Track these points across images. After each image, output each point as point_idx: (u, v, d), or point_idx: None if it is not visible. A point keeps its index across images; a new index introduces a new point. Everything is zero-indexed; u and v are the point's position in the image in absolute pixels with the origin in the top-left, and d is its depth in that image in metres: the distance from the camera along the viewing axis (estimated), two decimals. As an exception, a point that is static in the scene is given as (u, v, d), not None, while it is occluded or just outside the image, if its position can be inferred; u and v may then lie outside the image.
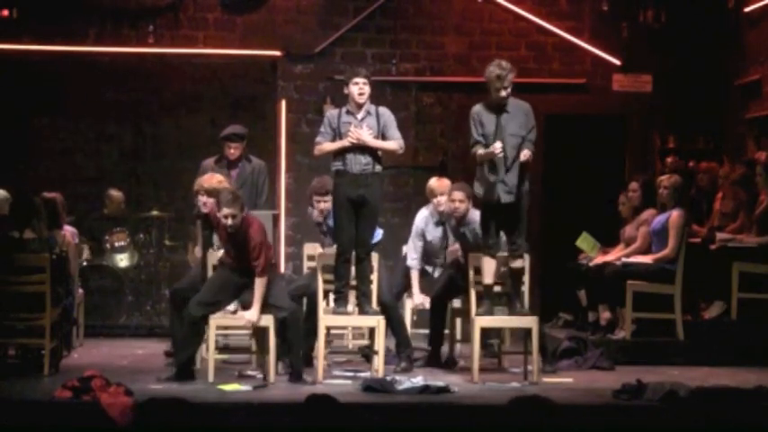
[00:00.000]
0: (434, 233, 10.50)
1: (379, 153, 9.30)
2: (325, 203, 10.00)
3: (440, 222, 10.49)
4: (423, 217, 10.58)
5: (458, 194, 10.13)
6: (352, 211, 9.23)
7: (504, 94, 9.19)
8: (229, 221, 9.05)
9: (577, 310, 11.22)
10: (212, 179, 9.78)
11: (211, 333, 9.14)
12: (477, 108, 9.33)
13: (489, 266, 9.33)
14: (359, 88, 9.23)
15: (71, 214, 11.78)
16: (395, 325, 9.82)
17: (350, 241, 9.24)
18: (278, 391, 8.76)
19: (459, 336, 10.39)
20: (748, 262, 10.55)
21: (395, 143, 9.30)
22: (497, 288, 9.47)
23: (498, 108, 9.23)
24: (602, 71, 13.47)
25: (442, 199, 10.37)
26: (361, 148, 9.18)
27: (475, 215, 9.89)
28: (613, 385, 8.65)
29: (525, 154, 9.08)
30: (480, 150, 9.19)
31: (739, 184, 11.06)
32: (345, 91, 9.34)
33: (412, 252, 10.57)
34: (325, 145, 9.28)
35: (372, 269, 9.36)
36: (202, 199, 9.67)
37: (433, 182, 10.59)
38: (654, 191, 10.81)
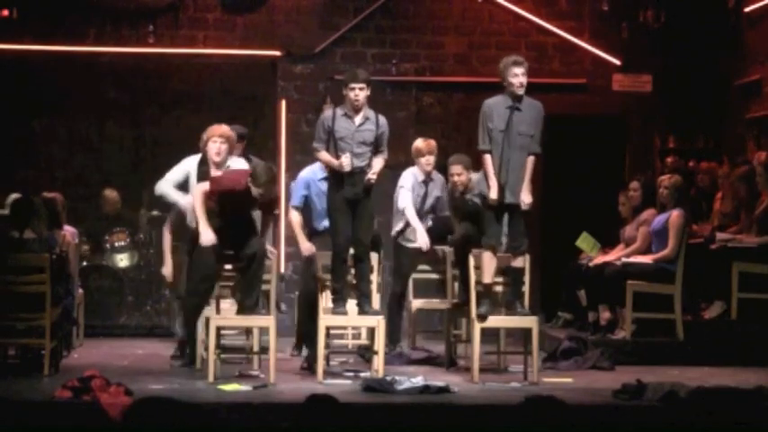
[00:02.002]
0: (418, 191, 10.64)
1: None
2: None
3: (424, 182, 10.66)
4: (410, 173, 10.69)
5: (456, 168, 10.37)
6: (348, 210, 9.19)
7: (520, 80, 9.13)
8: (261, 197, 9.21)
9: (577, 310, 11.22)
10: (221, 127, 9.69)
11: (211, 333, 9.13)
12: (491, 102, 9.26)
13: (490, 266, 9.32)
14: (354, 94, 9.19)
15: (79, 222, 11.84)
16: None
17: (346, 241, 9.21)
18: (278, 391, 8.76)
19: (464, 336, 10.40)
20: (748, 262, 10.55)
21: (382, 160, 9.27)
22: (497, 288, 9.47)
23: (512, 105, 9.19)
24: (602, 71, 13.46)
25: (431, 158, 10.57)
26: (356, 149, 9.17)
27: (476, 178, 9.96)
28: (613, 385, 8.65)
29: (525, 203, 9.18)
30: (490, 166, 9.17)
31: (740, 184, 11.06)
32: (344, 92, 9.34)
33: (404, 199, 10.59)
34: (323, 155, 9.26)
35: (372, 269, 9.35)
36: (220, 147, 9.53)
37: (420, 142, 10.75)
38: (654, 191, 10.81)
